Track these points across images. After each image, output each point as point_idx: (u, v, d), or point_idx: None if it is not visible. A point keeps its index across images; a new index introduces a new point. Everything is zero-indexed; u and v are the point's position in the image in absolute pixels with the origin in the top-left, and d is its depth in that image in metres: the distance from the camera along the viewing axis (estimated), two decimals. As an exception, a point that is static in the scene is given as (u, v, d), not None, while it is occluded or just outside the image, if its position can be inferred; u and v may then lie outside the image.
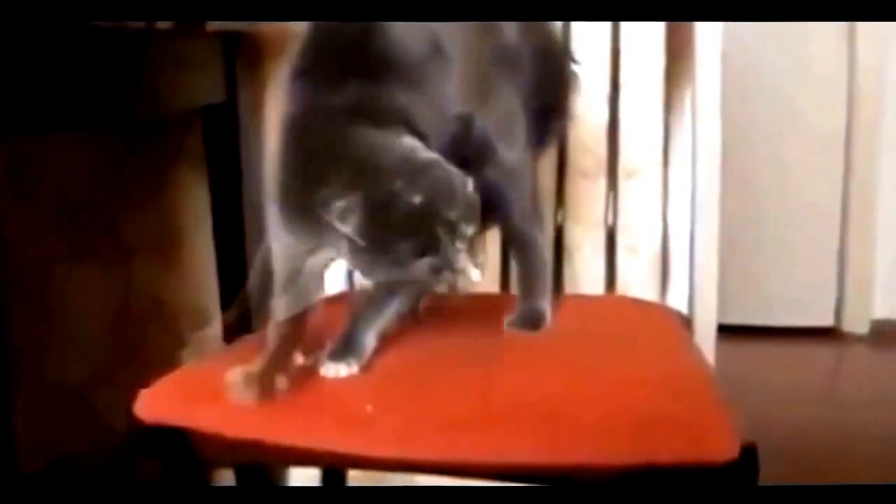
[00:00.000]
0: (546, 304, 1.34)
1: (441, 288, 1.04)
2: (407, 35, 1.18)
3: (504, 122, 1.32)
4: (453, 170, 1.04)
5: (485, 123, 1.27)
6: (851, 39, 3.78)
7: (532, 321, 1.32)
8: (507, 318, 1.31)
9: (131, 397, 1.15)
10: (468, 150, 1.22)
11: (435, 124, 1.16)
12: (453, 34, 1.24)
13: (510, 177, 1.31)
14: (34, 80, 1.32)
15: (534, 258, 1.37)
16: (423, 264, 1.02)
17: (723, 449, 0.97)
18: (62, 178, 1.86)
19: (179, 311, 2.10)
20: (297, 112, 1.15)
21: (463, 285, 1.03)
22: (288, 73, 1.18)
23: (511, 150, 1.31)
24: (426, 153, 1.05)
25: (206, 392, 1.14)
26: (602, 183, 1.69)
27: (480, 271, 1.02)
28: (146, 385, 1.16)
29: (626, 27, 1.63)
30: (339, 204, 1.01)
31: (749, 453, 0.97)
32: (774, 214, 3.89)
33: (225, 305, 1.90)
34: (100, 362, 1.98)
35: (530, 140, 1.38)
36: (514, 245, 1.39)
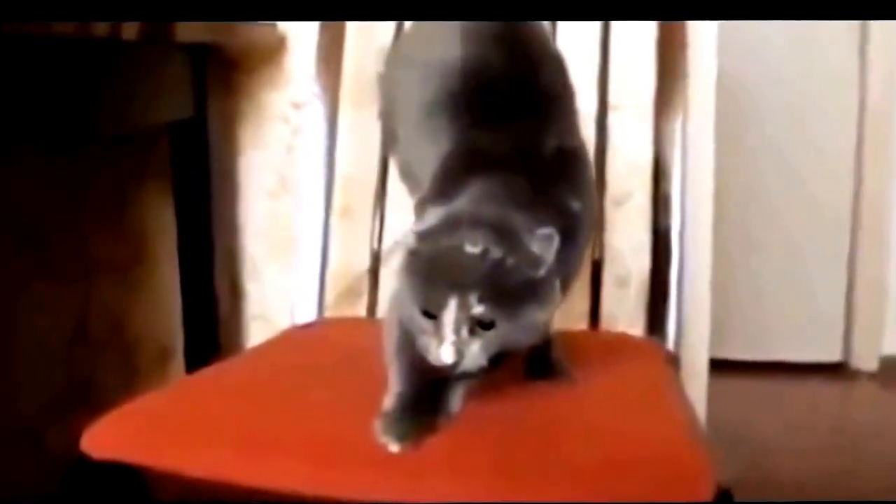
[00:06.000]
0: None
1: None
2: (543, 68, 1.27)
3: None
4: (483, 238, 1.03)
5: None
6: (862, 57, 3.81)
7: (558, 370, 1.30)
8: (530, 370, 1.30)
9: (84, 428, 1.13)
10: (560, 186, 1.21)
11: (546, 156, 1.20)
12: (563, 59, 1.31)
13: (574, 224, 1.22)
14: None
15: None
16: (422, 325, 1.04)
17: (696, 492, 0.98)
18: (18, 197, 1.87)
19: (140, 339, 2.10)
20: None
21: (437, 362, 1.03)
22: None
23: (587, 194, 1.27)
24: (466, 214, 1.06)
25: (162, 426, 1.15)
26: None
27: (459, 356, 1.01)
28: (99, 416, 1.15)
29: (616, 45, 1.65)
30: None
31: (724, 498, 0.99)
32: (779, 245, 3.91)
33: (189, 333, 1.91)
34: (53, 389, 1.98)
35: None
36: None
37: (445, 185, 1.17)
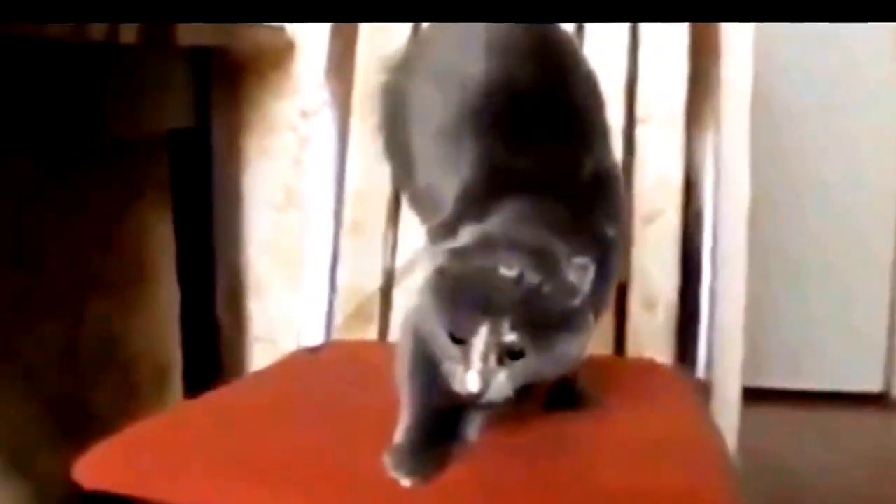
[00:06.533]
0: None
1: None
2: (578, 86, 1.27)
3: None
4: (524, 263, 1.02)
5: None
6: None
7: (582, 401, 1.30)
8: (551, 400, 1.28)
9: (77, 455, 1.13)
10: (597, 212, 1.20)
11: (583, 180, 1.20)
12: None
13: (609, 251, 1.20)
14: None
15: None
16: (447, 350, 1.04)
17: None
18: (10, 210, 1.87)
19: (137, 359, 2.10)
20: None
21: (462, 390, 1.02)
22: None
23: (621, 219, 1.27)
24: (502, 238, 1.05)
25: (157, 455, 1.14)
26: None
27: (485, 385, 1.00)
28: (93, 442, 1.15)
29: (645, 52, 1.65)
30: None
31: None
32: (818, 267, 3.89)
33: (188, 355, 1.91)
34: (47, 409, 1.97)
35: None
36: None
37: (474, 205, 1.15)
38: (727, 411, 1.92)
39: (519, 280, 1.00)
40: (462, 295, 1.02)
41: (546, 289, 1.01)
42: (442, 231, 1.15)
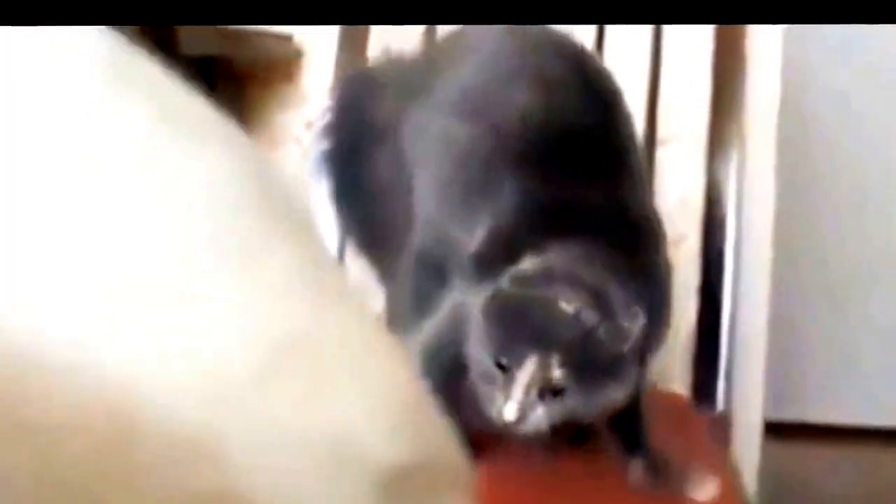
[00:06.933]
0: None
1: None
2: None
3: None
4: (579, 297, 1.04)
5: None
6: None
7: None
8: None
9: None
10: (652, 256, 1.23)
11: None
12: None
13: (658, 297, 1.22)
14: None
15: None
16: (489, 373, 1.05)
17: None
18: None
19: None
20: None
21: (497, 418, 1.03)
22: None
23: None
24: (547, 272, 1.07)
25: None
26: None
27: (522, 418, 1.01)
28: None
29: (667, 71, 1.64)
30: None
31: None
32: (855, 291, 3.86)
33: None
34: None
35: None
36: None
37: (516, 242, 1.15)
38: (748, 444, 1.91)
39: (577, 317, 1.01)
40: (516, 321, 1.04)
41: (601, 331, 1.02)
42: (468, 266, 1.16)
